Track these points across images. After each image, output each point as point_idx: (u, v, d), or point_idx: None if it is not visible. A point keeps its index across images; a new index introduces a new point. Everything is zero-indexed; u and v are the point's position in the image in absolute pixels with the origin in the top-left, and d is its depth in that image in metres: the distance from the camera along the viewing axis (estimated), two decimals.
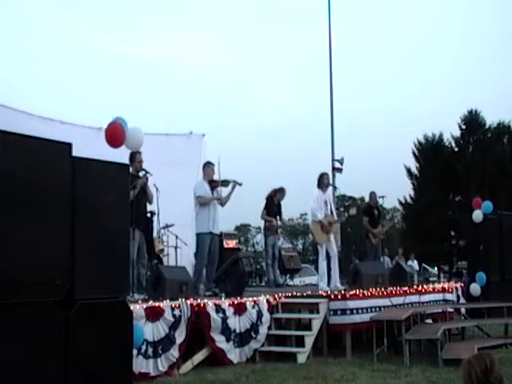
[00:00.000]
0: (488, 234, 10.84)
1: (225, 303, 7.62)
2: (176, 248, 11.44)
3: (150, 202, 8.57)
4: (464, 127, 35.14)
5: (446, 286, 10.79)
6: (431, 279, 19.77)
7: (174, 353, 6.87)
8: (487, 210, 10.72)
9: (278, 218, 11.32)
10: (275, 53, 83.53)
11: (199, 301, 7.38)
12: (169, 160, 11.88)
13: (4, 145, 4.50)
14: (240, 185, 9.29)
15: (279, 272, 11.73)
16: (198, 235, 9.10)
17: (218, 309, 7.47)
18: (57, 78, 77.59)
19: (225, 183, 9.21)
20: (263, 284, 12.84)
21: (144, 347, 6.46)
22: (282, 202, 11.41)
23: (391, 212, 46.96)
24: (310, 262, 31.71)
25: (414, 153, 35.96)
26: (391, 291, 9.07)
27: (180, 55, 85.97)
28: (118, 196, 5.43)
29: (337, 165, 15.85)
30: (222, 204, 9.29)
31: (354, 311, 8.30)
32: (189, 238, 11.14)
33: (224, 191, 9.33)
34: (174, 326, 6.91)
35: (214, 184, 9.15)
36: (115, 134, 6.24)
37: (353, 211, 11.20)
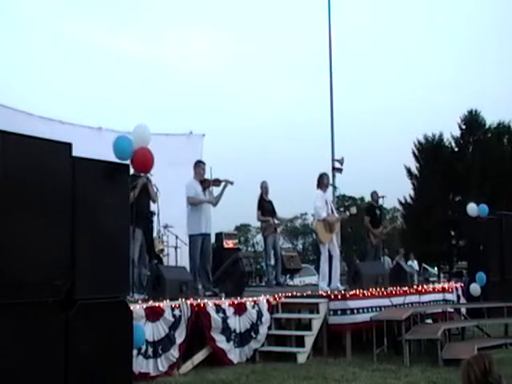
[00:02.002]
0: (488, 233, 10.83)
1: (225, 303, 7.62)
2: (176, 248, 11.44)
3: (154, 201, 8.54)
4: (464, 127, 35.14)
5: (446, 286, 10.80)
6: (431, 279, 19.77)
7: (174, 353, 6.87)
8: (483, 213, 10.70)
9: (273, 216, 11.25)
10: (275, 53, 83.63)
11: (199, 301, 7.38)
12: (169, 160, 11.84)
13: (4, 145, 4.50)
14: (232, 183, 9.23)
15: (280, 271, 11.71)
16: (190, 237, 9.10)
17: (218, 309, 7.47)
18: (57, 78, 77.64)
19: (216, 183, 9.17)
20: (263, 284, 12.82)
21: (144, 347, 6.46)
22: (279, 200, 11.30)
23: (391, 212, 46.94)
24: (310, 261, 31.71)
25: (414, 153, 35.98)
26: (391, 291, 9.07)
27: (180, 55, 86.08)
28: (118, 196, 5.43)
29: (337, 165, 15.84)
30: (214, 204, 9.27)
31: (354, 311, 8.30)
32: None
33: (216, 190, 9.32)
34: (173, 326, 6.91)
35: (205, 184, 9.12)
36: (143, 160, 6.18)
37: (353, 210, 11.12)
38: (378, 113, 72.94)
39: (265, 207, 11.13)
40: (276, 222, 11.25)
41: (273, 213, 11.21)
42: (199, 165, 9.25)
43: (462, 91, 61.42)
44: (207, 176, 9.36)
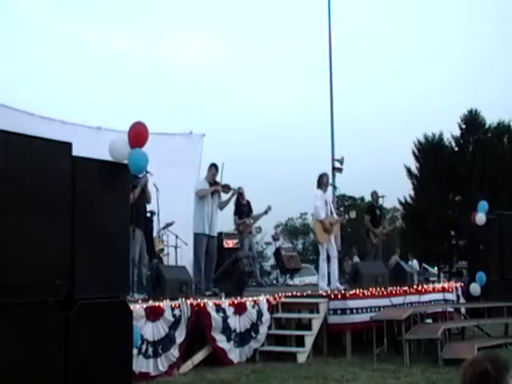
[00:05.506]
0: (488, 234, 10.82)
1: (225, 303, 7.62)
2: (176, 248, 11.44)
3: (149, 202, 8.58)
4: (464, 127, 35.10)
5: (446, 285, 10.79)
6: (431, 279, 19.75)
7: (174, 352, 6.87)
8: (482, 210, 10.68)
9: (249, 216, 11.39)
10: (275, 53, 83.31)
11: (199, 300, 7.39)
12: (169, 160, 11.86)
13: (4, 145, 4.50)
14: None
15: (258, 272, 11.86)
16: (195, 235, 9.15)
17: (219, 308, 7.47)
18: (57, 77, 77.22)
19: (225, 189, 9.29)
20: (263, 284, 12.85)
21: (144, 347, 6.46)
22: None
23: (391, 212, 46.94)
24: (310, 261, 31.69)
25: (413, 153, 35.95)
26: (391, 291, 9.07)
27: (180, 55, 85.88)
28: (118, 196, 5.44)
29: (337, 164, 15.85)
30: (220, 208, 9.38)
31: (354, 311, 8.30)
32: (189, 237, 11.13)
33: (224, 196, 9.41)
34: (173, 326, 6.91)
35: (214, 186, 9.17)
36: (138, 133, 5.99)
37: (352, 214, 11.16)
38: (377, 113, 72.71)
39: (242, 210, 11.29)
40: (251, 221, 11.35)
41: (249, 213, 11.36)
42: (212, 168, 9.30)
43: (462, 91, 61.28)
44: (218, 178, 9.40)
